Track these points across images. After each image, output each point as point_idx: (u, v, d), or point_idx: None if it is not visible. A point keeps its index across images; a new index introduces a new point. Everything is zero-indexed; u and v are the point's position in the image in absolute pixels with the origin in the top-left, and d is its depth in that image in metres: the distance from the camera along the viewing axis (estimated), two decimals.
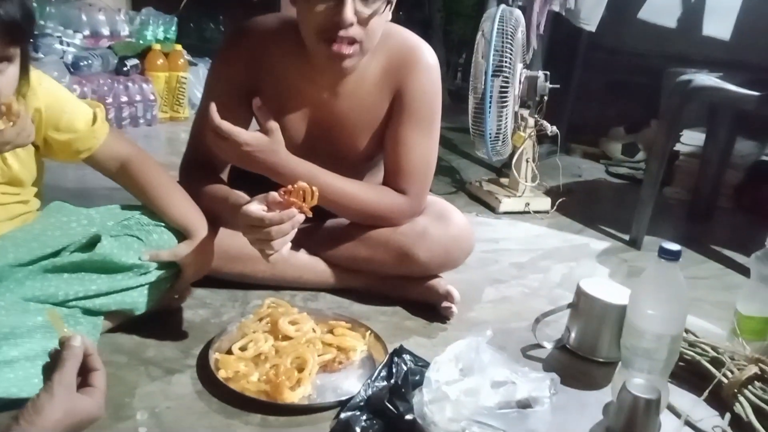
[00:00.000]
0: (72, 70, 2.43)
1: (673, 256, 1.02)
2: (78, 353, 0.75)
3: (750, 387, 1.14)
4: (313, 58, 1.23)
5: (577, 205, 2.23)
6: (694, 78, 1.84)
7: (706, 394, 1.13)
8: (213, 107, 1.17)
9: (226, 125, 1.17)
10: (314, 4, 1.15)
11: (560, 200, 2.19)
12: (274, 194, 1.09)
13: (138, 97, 2.55)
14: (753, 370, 1.16)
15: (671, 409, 1.12)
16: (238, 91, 1.30)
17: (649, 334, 1.03)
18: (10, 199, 1.14)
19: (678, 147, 2.52)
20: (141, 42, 2.85)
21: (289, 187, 1.08)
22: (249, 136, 1.19)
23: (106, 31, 2.87)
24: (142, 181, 1.21)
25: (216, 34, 3.27)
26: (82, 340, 0.76)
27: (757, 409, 1.10)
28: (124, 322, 1.15)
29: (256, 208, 1.08)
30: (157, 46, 2.71)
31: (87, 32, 2.76)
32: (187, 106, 2.78)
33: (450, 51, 4.08)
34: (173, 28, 3.06)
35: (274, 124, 1.22)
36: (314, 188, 1.08)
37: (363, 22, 1.16)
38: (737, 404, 1.12)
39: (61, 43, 2.52)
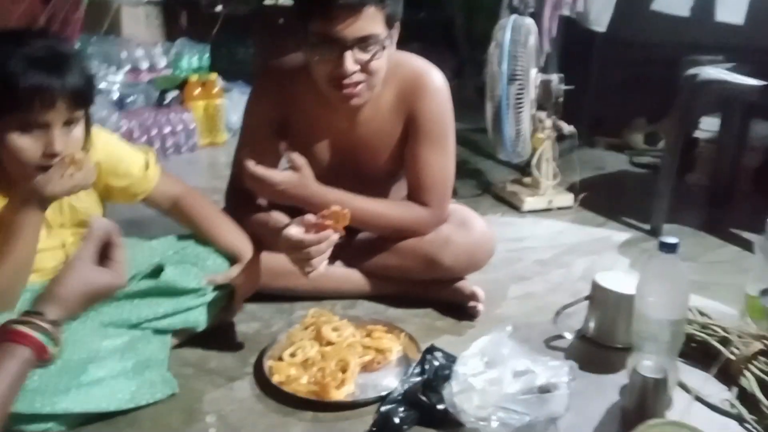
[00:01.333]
0: (118, 107, 2.63)
1: (671, 249, 1.13)
2: (98, 235, 0.86)
3: (755, 362, 1.24)
4: (328, 97, 1.37)
5: (600, 198, 2.31)
6: (700, 72, 1.92)
7: (714, 371, 1.24)
8: (249, 160, 1.30)
9: (260, 170, 1.31)
10: (318, 57, 1.30)
11: (582, 195, 2.28)
12: (309, 217, 1.23)
13: (180, 127, 2.75)
14: (758, 346, 1.25)
15: (682, 386, 1.23)
16: (270, 125, 1.46)
17: (653, 320, 1.14)
18: (78, 238, 1.31)
19: (698, 134, 2.58)
20: (178, 73, 3.04)
21: (324, 211, 1.22)
22: (281, 176, 1.33)
23: (145, 65, 3.07)
24: (193, 215, 1.37)
25: (247, 56, 3.44)
26: (105, 224, 0.87)
27: (761, 382, 1.19)
28: (188, 339, 1.31)
29: (295, 231, 1.23)
30: (194, 77, 2.90)
31: (128, 67, 2.96)
32: (225, 131, 2.96)
33: (474, 48, 4.17)
34: (206, 55, 3.24)
35: (301, 161, 1.35)
36: (346, 210, 1.22)
37: (365, 67, 1.30)
38: (743, 378, 1.22)
39: (107, 82, 2.73)
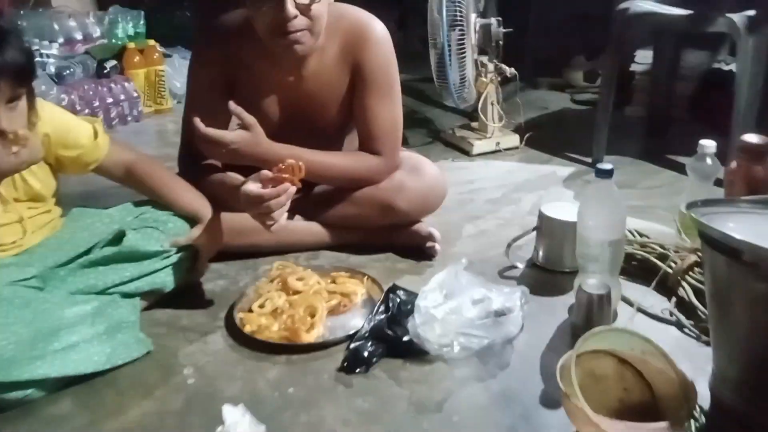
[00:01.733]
0: (57, 80, 2.56)
1: (606, 174, 1.21)
2: None
3: (691, 273, 1.35)
4: (272, 50, 1.39)
5: (545, 136, 2.40)
6: (630, 5, 2.00)
7: (654, 284, 1.34)
8: (197, 120, 1.31)
9: (212, 132, 1.33)
10: (259, 6, 1.31)
11: (528, 135, 2.36)
12: (266, 172, 1.27)
13: (122, 97, 2.69)
14: (693, 258, 1.36)
15: (625, 300, 1.33)
16: (216, 85, 1.47)
17: (593, 241, 1.23)
18: (36, 212, 1.32)
19: (634, 67, 2.68)
20: (115, 42, 2.96)
21: (280, 165, 1.26)
22: (233, 135, 1.35)
23: (79, 36, 2.96)
24: (148, 181, 1.39)
25: (184, 20, 3.36)
26: None
27: (697, 291, 1.31)
28: (158, 300, 1.34)
29: (253, 186, 1.26)
30: (132, 45, 2.83)
31: (61, 40, 2.86)
32: (169, 97, 2.92)
33: None
34: (142, 22, 3.15)
35: (251, 119, 1.37)
36: (301, 164, 1.26)
37: (305, 11, 1.32)
38: (681, 289, 1.33)
39: (41, 55, 2.64)
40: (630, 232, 1.51)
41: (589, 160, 2.16)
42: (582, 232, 1.26)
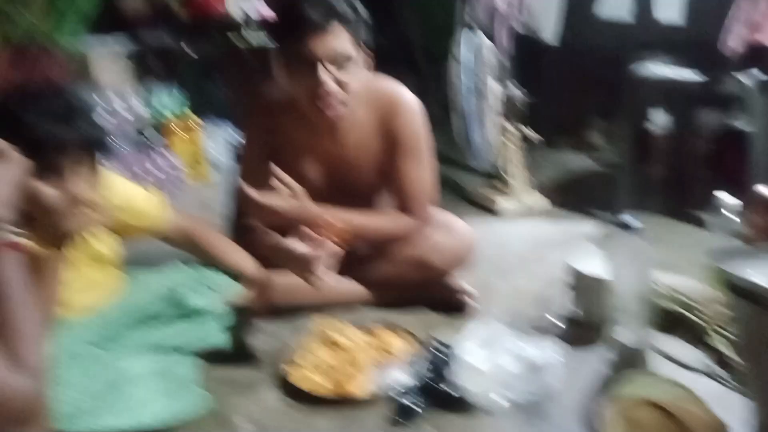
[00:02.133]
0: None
1: (630, 228, 1.29)
2: None
3: (721, 324, 1.40)
4: (309, 115, 1.52)
5: (568, 195, 2.49)
6: (638, 68, 2.11)
7: (686, 335, 1.39)
8: (247, 187, 1.44)
9: (262, 198, 1.44)
10: (296, 77, 1.47)
11: (552, 194, 2.45)
12: (308, 231, 1.37)
13: (164, 167, 2.85)
14: (722, 309, 1.41)
15: (658, 352, 1.37)
16: (265, 154, 1.59)
17: (623, 294, 1.29)
18: (101, 275, 1.42)
19: (649, 126, 2.77)
20: (156, 115, 3.14)
21: (321, 225, 1.36)
22: (281, 202, 1.47)
23: (123, 112, 3.15)
24: (202, 244, 1.51)
25: (220, 95, 3.55)
26: None
27: (728, 341, 1.35)
28: (211, 356, 1.41)
29: (298, 246, 1.36)
30: (173, 118, 3.02)
31: (108, 116, 3.04)
32: (208, 166, 3.08)
33: (432, 64, 4.36)
34: (181, 96, 3.35)
35: (297, 186, 1.48)
36: (340, 224, 1.36)
37: (337, 79, 1.46)
38: (712, 340, 1.38)
39: None
40: (658, 285, 1.56)
41: (613, 217, 2.22)
42: (613, 285, 1.33)
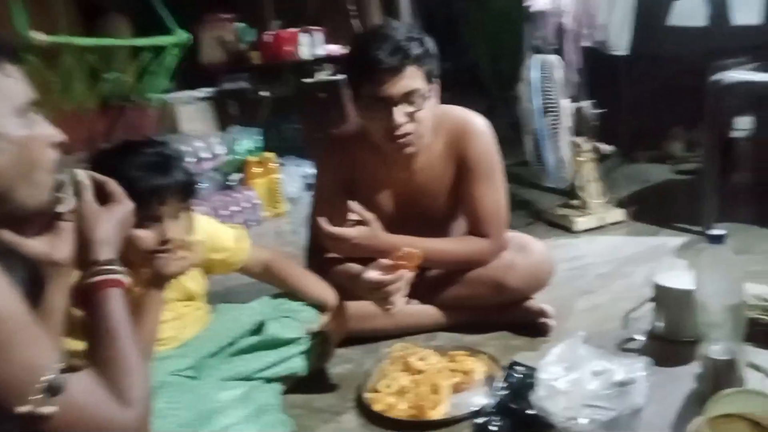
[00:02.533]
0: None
1: (718, 239, 1.23)
2: (87, 183, 0.94)
3: None
4: (385, 151, 1.56)
5: (650, 209, 2.40)
6: (723, 76, 2.03)
7: None
8: (323, 220, 1.49)
9: (335, 229, 1.49)
10: (371, 116, 1.50)
11: (632, 208, 2.37)
12: (384, 261, 1.40)
13: (245, 204, 2.99)
14: None
15: (753, 366, 1.30)
16: (338, 186, 1.65)
17: (713, 308, 1.23)
18: (190, 309, 1.51)
19: (736, 134, 2.65)
20: (237, 156, 3.31)
21: (397, 253, 1.38)
22: (354, 232, 1.51)
23: (205, 155, 3.35)
24: (282, 275, 1.56)
25: (295, 133, 3.70)
26: (87, 174, 0.95)
27: None
28: (293, 384, 1.46)
29: (373, 274, 1.39)
30: (252, 158, 3.17)
31: (193, 160, 3.24)
32: (285, 202, 3.20)
33: (501, 88, 4.37)
34: (259, 137, 3.51)
35: (370, 216, 1.53)
36: (416, 251, 1.38)
37: (412, 117, 1.49)
38: None
39: None
40: (751, 297, 1.48)
41: (699, 228, 2.13)
42: (701, 299, 1.27)
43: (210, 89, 3.80)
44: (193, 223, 1.39)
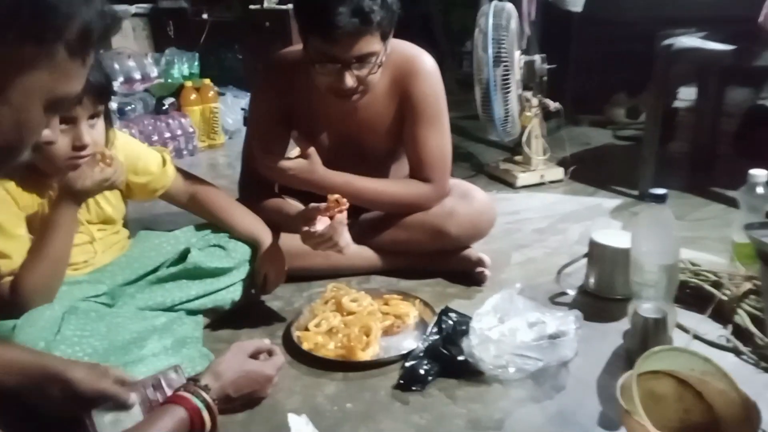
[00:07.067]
0: (119, 116, 2.70)
1: (660, 199, 1.23)
2: (257, 344, 1.13)
3: (746, 301, 1.35)
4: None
5: (588, 170, 2.42)
6: (674, 42, 2.03)
7: (709, 311, 1.35)
8: (260, 148, 1.39)
9: (274, 158, 1.40)
10: (319, 69, 1.37)
11: (572, 168, 2.38)
12: (315, 210, 1.32)
13: (179, 132, 2.82)
14: (748, 286, 1.36)
15: (681, 327, 1.33)
16: (276, 116, 1.54)
17: (648, 267, 1.24)
18: (107, 234, 1.39)
19: (677, 104, 2.69)
20: (172, 81, 3.11)
21: (328, 202, 1.31)
22: (292, 163, 1.43)
23: (138, 76, 3.13)
24: (210, 206, 1.46)
25: (235, 61, 3.51)
26: (260, 342, 1.13)
27: (753, 318, 1.30)
28: (219, 318, 1.39)
29: (320, 226, 1.30)
30: (189, 83, 2.98)
31: (122, 79, 3.02)
32: (222, 133, 3.04)
33: (452, 41, 4.29)
34: (196, 63, 3.31)
35: (310, 149, 1.45)
36: (337, 196, 1.31)
37: (362, 79, 1.38)
38: (737, 316, 1.33)
39: None
40: (682, 261, 1.51)
41: (635, 192, 2.16)
42: (636, 257, 1.27)
43: (146, 5, 3.55)
44: (112, 138, 1.27)
